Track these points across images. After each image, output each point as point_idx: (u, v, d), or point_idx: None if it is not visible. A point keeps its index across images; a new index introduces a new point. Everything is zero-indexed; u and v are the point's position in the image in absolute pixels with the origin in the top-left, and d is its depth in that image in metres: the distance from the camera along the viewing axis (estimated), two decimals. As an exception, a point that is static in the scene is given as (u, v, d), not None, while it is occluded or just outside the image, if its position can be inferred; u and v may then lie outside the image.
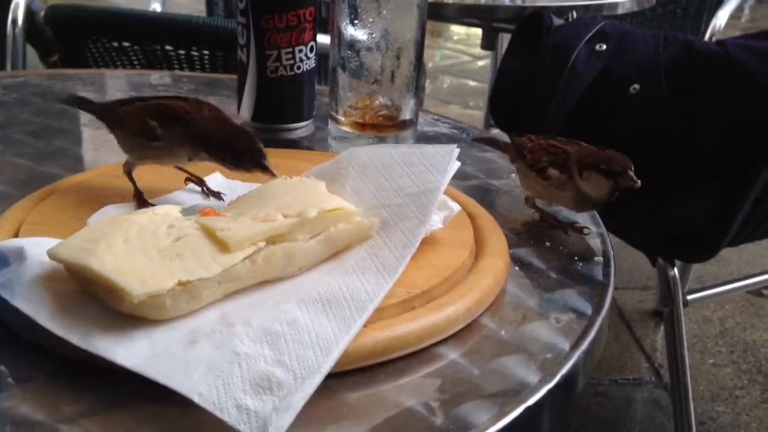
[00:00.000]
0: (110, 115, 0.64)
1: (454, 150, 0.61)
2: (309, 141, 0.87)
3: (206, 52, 1.36)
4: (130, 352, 0.43)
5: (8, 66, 1.68)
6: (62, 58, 1.46)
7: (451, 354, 0.49)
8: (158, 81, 1.06)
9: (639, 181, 0.61)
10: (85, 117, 0.94)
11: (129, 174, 0.63)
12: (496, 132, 1.61)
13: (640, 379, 1.78)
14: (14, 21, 1.71)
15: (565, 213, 0.68)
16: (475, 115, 3.47)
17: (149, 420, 0.41)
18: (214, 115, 0.60)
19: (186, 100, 0.61)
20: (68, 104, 0.69)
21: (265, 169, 0.58)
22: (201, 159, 0.61)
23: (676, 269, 1.35)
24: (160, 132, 0.60)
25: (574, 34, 1.35)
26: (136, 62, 1.38)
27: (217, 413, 0.40)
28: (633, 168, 0.61)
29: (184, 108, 0.60)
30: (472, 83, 4.07)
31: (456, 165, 0.60)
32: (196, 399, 0.40)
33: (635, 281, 2.11)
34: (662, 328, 1.94)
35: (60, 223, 0.57)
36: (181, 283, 0.45)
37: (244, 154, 0.58)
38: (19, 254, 0.49)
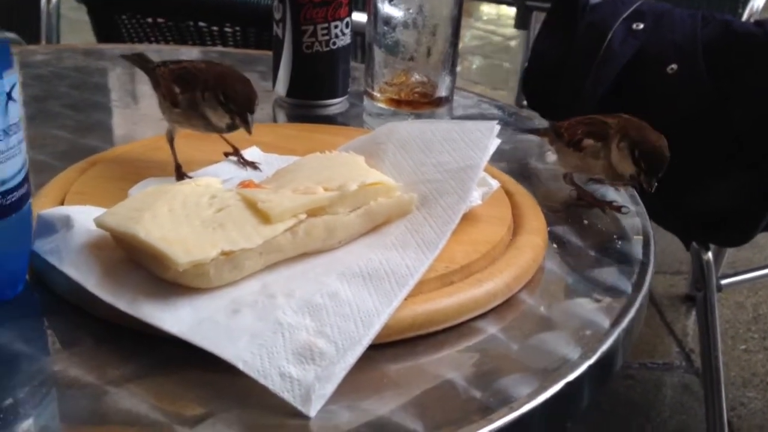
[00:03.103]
0: (153, 75, 0.65)
1: (495, 126, 0.60)
2: (344, 117, 0.87)
3: (238, 28, 1.37)
4: (175, 319, 0.43)
5: (43, 40, 1.69)
6: (97, 33, 1.47)
7: (490, 329, 0.49)
8: (193, 57, 1.07)
9: (652, 188, 0.61)
10: (121, 91, 0.95)
11: (170, 142, 0.63)
12: (527, 112, 1.59)
13: (671, 364, 1.77)
14: (49, -3, 1.73)
15: (603, 192, 0.68)
16: (505, 95, 3.44)
17: (194, 385, 0.42)
18: (225, 68, 0.61)
19: (208, 63, 0.62)
20: (128, 60, 0.70)
21: (244, 122, 0.58)
22: (216, 129, 0.61)
23: (710, 253, 1.34)
24: (180, 98, 0.60)
25: (610, 12, 1.32)
26: (169, 38, 1.39)
27: (261, 380, 0.40)
28: (663, 168, 0.61)
29: (199, 67, 0.61)
30: (502, 63, 4.03)
31: (496, 142, 0.60)
32: (240, 366, 0.41)
33: (667, 265, 2.09)
34: (693, 312, 1.93)
35: (103, 193, 0.58)
36: (224, 253, 0.46)
37: (235, 97, 0.58)
38: (66, 222, 0.50)
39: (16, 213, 0.46)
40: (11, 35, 1.47)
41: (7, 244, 0.46)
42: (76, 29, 2.17)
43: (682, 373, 1.74)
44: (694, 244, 1.35)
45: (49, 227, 0.50)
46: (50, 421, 0.40)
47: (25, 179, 0.47)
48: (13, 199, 0.45)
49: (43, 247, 0.49)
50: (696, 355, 1.77)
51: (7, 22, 1.64)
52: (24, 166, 0.46)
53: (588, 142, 0.64)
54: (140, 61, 0.69)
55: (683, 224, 1.36)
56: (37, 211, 0.52)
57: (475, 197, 0.57)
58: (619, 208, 0.65)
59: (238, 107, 0.58)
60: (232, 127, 0.60)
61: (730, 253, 1.89)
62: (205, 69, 0.60)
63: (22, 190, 0.46)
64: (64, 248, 0.48)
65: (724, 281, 1.41)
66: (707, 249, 1.34)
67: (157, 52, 1.12)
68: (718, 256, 1.63)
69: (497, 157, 0.62)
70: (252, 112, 0.58)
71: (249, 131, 0.58)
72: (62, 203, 0.57)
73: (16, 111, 0.45)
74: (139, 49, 0.86)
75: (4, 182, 0.45)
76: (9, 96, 0.44)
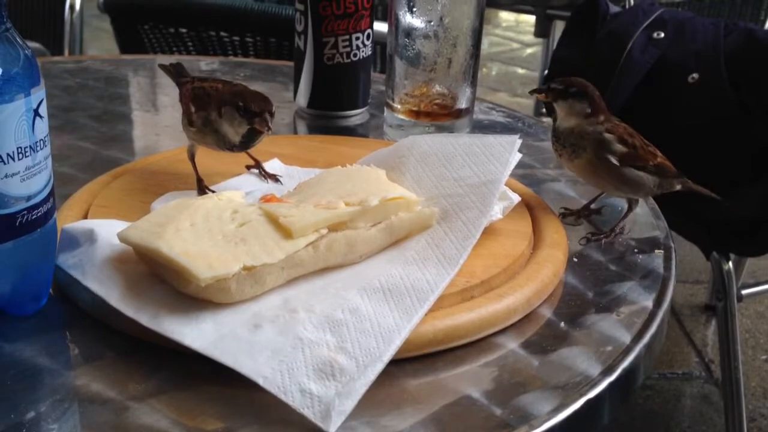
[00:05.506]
0: (180, 91, 0.65)
1: (516, 141, 0.60)
2: (364, 128, 0.87)
3: (259, 38, 1.37)
4: (196, 334, 0.44)
5: (66, 49, 1.71)
6: (119, 43, 1.49)
7: (510, 344, 0.49)
8: (215, 67, 1.08)
9: None
10: (144, 102, 0.96)
11: (191, 158, 0.64)
12: (548, 122, 1.59)
13: (690, 374, 1.76)
14: (72, 6, 1.75)
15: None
16: (524, 102, 3.43)
17: (214, 400, 0.42)
18: (242, 87, 0.61)
19: (225, 82, 0.62)
20: (165, 70, 0.70)
21: (264, 120, 0.57)
22: (229, 148, 0.61)
23: (731, 263, 1.33)
24: (195, 117, 0.61)
25: (630, 21, 1.32)
26: (191, 47, 1.40)
27: (282, 396, 0.41)
28: None
29: (215, 86, 0.61)
30: (520, 71, 4.02)
31: (517, 156, 0.60)
32: (261, 382, 0.41)
33: (687, 275, 2.07)
34: (713, 322, 1.91)
35: (126, 207, 0.58)
36: (246, 268, 0.46)
37: (252, 102, 0.58)
38: (90, 236, 0.50)
39: (41, 228, 0.46)
40: (35, 45, 1.49)
41: (31, 259, 0.47)
42: (99, 38, 2.19)
43: (702, 383, 1.73)
44: (714, 253, 1.34)
45: (72, 241, 0.51)
46: (72, 435, 0.41)
47: (51, 194, 0.47)
48: (38, 214, 0.46)
49: (66, 261, 0.50)
50: (716, 366, 1.75)
51: (30, 31, 1.66)
52: (49, 182, 0.47)
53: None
54: (175, 73, 0.69)
55: (704, 234, 1.35)
56: (62, 224, 0.52)
57: (496, 211, 0.57)
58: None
59: (258, 107, 0.58)
60: (246, 142, 0.60)
61: (750, 262, 1.87)
62: (222, 89, 0.61)
63: (47, 205, 0.47)
64: (88, 262, 0.49)
65: (744, 291, 1.40)
66: (728, 259, 1.33)
67: (178, 61, 1.13)
68: (738, 266, 1.62)
69: (517, 166, 0.62)
70: (271, 112, 0.58)
71: (269, 127, 0.58)
72: (86, 216, 0.58)
73: (43, 127, 0.45)
74: (165, 59, 0.87)
75: (30, 197, 0.45)
76: (36, 112, 0.44)
